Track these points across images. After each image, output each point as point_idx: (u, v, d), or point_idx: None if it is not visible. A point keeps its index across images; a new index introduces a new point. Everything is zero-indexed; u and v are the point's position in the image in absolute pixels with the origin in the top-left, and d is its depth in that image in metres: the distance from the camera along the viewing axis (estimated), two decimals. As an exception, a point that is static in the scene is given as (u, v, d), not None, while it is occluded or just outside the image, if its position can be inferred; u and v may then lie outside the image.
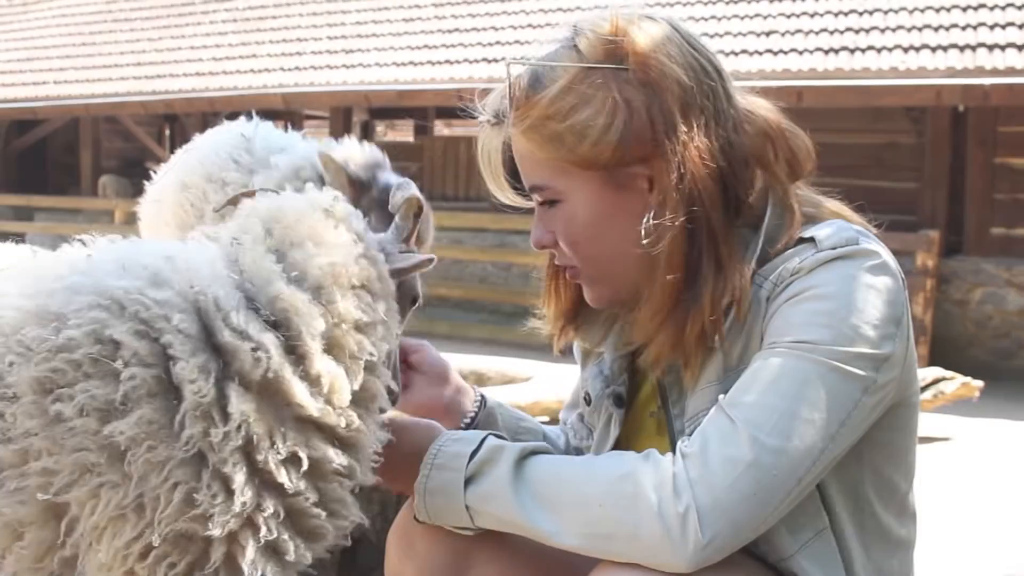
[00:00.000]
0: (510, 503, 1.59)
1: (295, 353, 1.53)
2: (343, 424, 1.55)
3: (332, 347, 1.56)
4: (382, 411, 1.67)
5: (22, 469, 1.46)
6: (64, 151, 19.12)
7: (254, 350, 1.49)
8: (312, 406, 1.51)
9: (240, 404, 1.47)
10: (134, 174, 15.11)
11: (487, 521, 1.65)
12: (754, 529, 1.50)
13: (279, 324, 1.53)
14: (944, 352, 10.01)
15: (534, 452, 1.65)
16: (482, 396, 2.07)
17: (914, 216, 11.19)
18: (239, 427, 1.46)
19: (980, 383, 7.39)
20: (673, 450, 1.56)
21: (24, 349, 1.48)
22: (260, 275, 1.56)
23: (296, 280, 1.56)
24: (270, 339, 1.51)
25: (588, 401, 1.94)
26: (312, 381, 1.53)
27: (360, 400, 1.59)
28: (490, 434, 1.71)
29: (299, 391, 1.50)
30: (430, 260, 1.80)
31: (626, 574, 1.51)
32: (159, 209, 2.99)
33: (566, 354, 2.04)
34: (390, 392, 1.69)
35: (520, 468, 1.61)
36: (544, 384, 5.94)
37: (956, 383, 7.26)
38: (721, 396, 1.56)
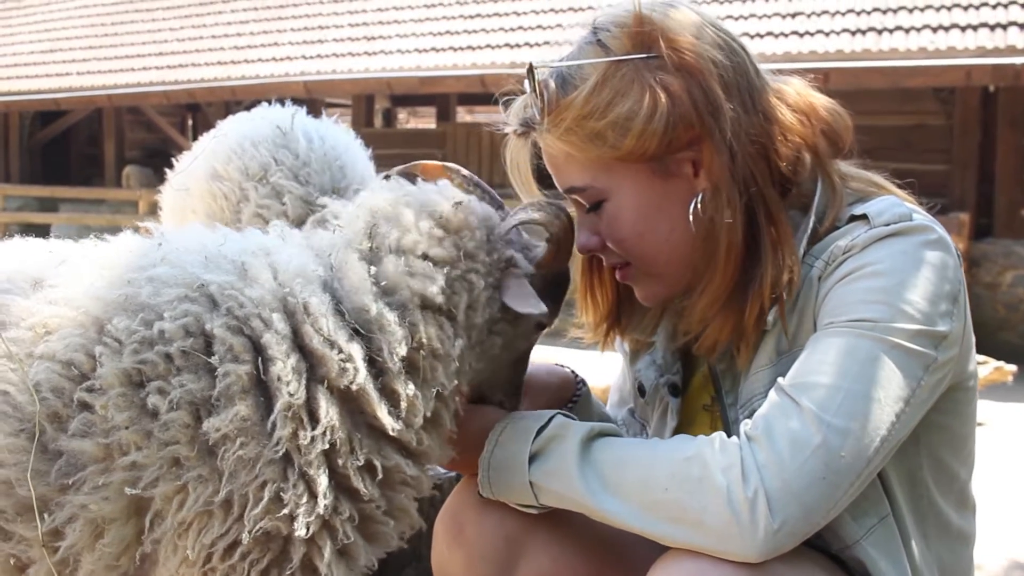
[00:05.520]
0: (575, 482, 1.55)
1: (376, 366, 1.51)
2: (415, 442, 1.54)
3: (410, 368, 1.53)
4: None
5: (107, 464, 1.44)
6: (87, 142, 19.22)
7: (342, 361, 1.47)
8: (390, 424, 1.49)
9: (329, 409, 1.45)
10: (157, 164, 15.08)
11: (551, 499, 1.61)
12: (825, 514, 1.45)
13: (363, 333, 1.51)
14: (975, 336, 9.85)
15: (602, 433, 1.61)
16: (582, 380, 2.00)
17: (943, 198, 11.03)
18: (325, 432, 1.45)
19: (1013, 367, 7.29)
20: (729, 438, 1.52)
21: (112, 340, 1.45)
22: (350, 280, 1.53)
23: (385, 291, 1.53)
24: (356, 350, 1.48)
25: (642, 392, 1.89)
26: (390, 397, 1.51)
27: (430, 423, 1.57)
28: (559, 412, 1.67)
29: (380, 408, 1.49)
30: (541, 318, 1.67)
31: (691, 565, 1.46)
32: (186, 197, 2.92)
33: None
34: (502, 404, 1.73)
35: (587, 448, 1.58)
36: (580, 373, 5.90)
37: (989, 368, 7.17)
38: (780, 379, 1.52)
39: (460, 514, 1.81)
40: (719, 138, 1.58)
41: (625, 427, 1.99)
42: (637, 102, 1.59)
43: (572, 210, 1.77)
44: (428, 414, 1.54)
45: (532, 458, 1.60)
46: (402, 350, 1.50)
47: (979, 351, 6.99)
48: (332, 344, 1.47)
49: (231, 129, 2.95)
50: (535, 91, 1.66)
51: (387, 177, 1.82)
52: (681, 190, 1.65)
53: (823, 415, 1.44)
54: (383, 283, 1.53)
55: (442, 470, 1.94)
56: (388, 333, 1.50)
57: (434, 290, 1.53)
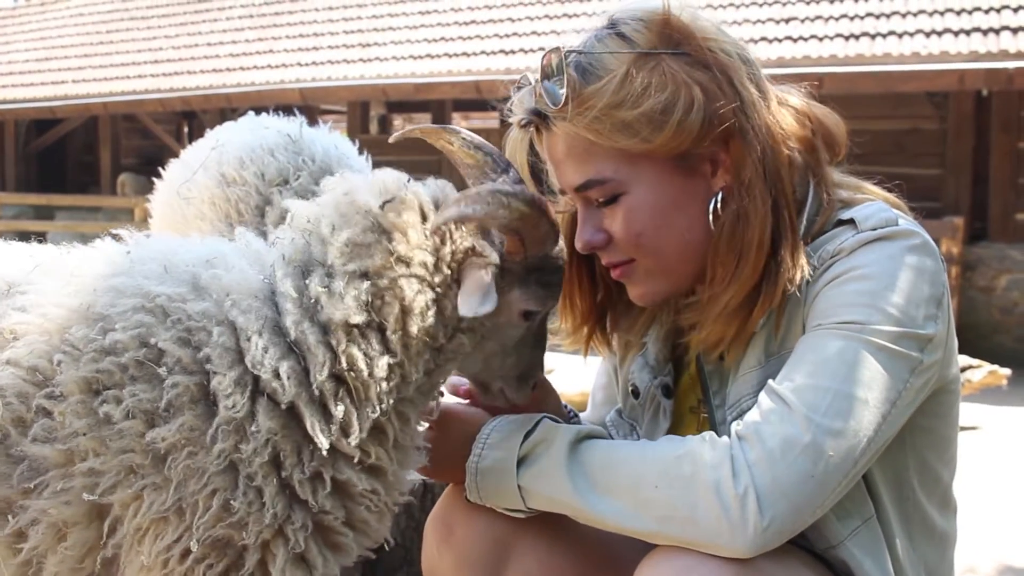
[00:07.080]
0: (564, 484, 1.56)
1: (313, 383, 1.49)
2: (358, 456, 1.51)
3: (342, 385, 1.50)
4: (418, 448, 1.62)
5: (67, 470, 1.46)
6: (83, 150, 19.21)
7: (272, 378, 1.47)
8: (321, 441, 1.47)
9: (267, 421, 1.46)
10: (153, 172, 14.93)
11: (540, 503, 1.62)
12: (813, 512, 1.47)
13: (299, 350, 1.50)
14: (970, 340, 9.89)
15: (589, 435, 1.62)
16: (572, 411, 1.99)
17: (937, 202, 11.07)
18: (266, 442, 1.46)
19: (1007, 371, 7.32)
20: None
21: (71, 348, 1.47)
22: (282, 300, 1.52)
23: (313, 308, 1.50)
24: (287, 368, 1.47)
25: (636, 394, 1.90)
26: (327, 413, 1.49)
27: (379, 435, 1.54)
28: (545, 416, 1.68)
29: (311, 423, 1.47)
30: (482, 316, 1.49)
31: (679, 561, 1.48)
32: (187, 205, 2.90)
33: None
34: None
35: (575, 450, 1.58)
36: (566, 376, 5.92)
37: (983, 371, 7.19)
38: (771, 380, 1.54)
39: (449, 516, 1.82)
40: (752, 135, 1.59)
41: (614, 428, 2.00)
42: (673, 95, 1.58)
43: (564, 204, 1.77)
44: (364, 434, 1.50)
45: (520, 462, 1.61)
46: (323, 373, 1.48)
47: (973, 355, 7.08)
48: (260, 364, 1.47)
49: (231, 139, 2.94)
50: (550, 78, 1.62)
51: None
52: (700, 188, 1.66)
53: (812, 415, 1.47)
54: (312, 300, 1.50)
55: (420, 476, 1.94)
56: (312, 355, 1.48)
57: (345, 313, 1.48)
